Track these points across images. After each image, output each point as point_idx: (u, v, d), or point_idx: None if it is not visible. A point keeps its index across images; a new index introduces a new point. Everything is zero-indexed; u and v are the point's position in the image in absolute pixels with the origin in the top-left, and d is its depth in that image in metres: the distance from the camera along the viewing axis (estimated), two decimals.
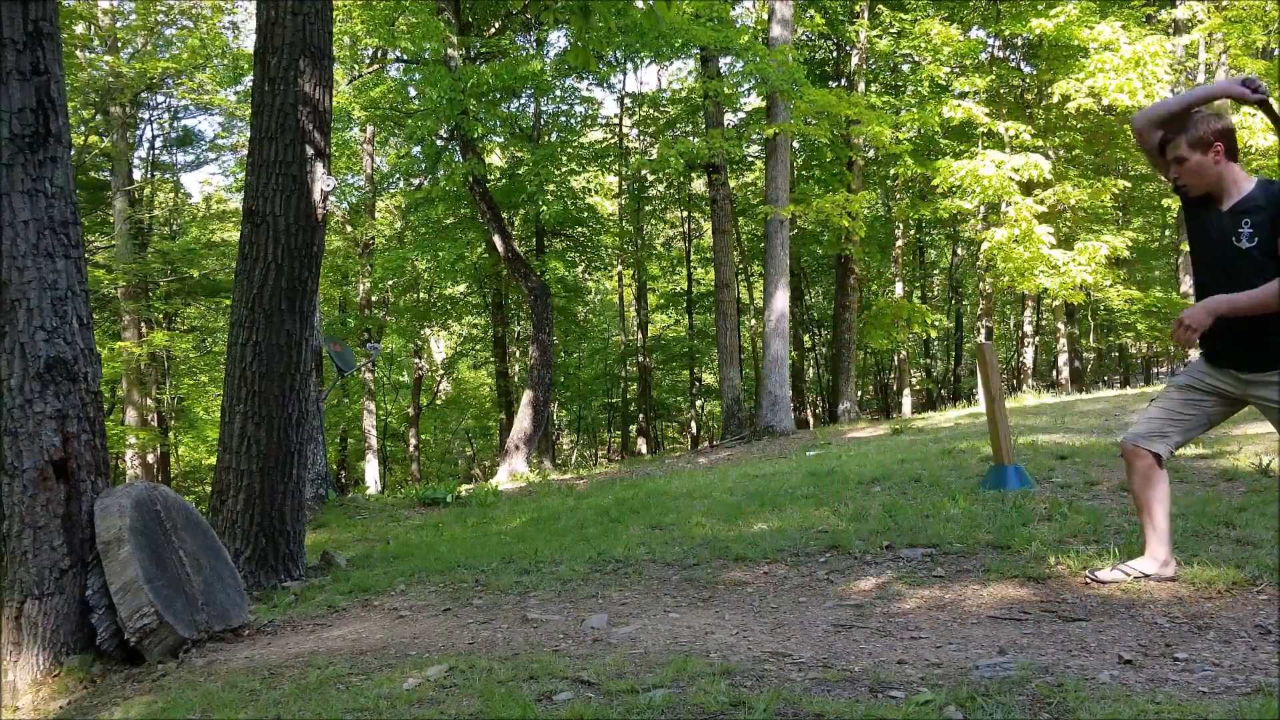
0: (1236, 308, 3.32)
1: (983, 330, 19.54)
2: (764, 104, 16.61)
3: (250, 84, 6.33)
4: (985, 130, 15.50)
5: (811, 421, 22.74)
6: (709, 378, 27.23)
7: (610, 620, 3.65)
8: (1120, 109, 14.66)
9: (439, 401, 27.77)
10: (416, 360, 25.53)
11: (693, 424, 28.29)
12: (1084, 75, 14.10)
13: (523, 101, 18.32)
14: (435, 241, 17.70)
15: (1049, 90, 15.30)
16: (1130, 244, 17.44)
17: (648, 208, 23.74)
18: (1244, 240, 3.38)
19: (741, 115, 20.13)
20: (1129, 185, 18.21)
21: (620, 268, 25.23)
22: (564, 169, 18.44)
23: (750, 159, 20.60)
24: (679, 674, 2.79)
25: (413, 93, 16.33)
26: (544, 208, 16.67)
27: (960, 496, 5.35)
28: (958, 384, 25.96)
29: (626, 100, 22.26)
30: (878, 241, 20.97)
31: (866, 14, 18.17)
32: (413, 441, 24.60)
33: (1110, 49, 14.00)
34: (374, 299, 22.71)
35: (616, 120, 22.36)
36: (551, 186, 17.03)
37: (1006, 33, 16.11)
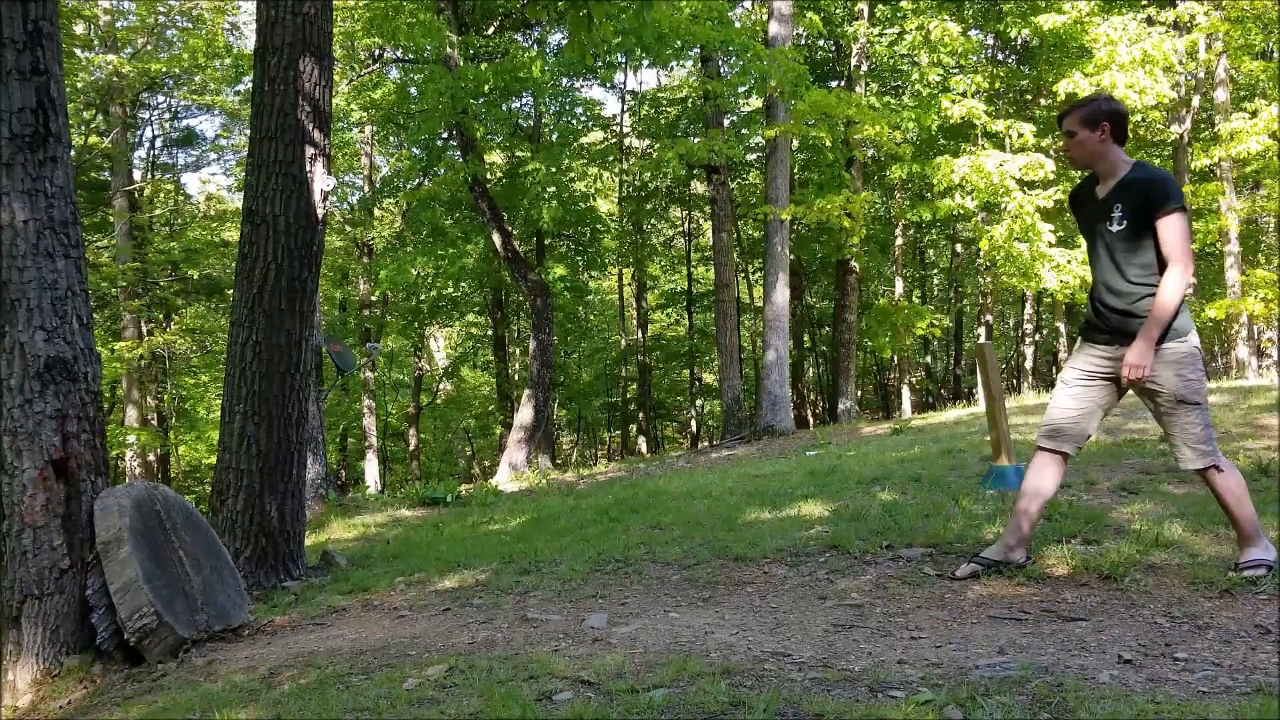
0: (1151, 337, 3.45)
1: (982, 329, 19.53)
2: (764, 105, 16.60)
3: (250, 84, 6.33)
4: (984, 130, 15.48)
5: (811, 421, 22.74)
6: (709, 377, 27.23)
7: (610, 620, 3.65)
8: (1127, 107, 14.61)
9: (439, 401, 27.79)
10: (416, 360, 25.54)
11: (693, 424, 28.28)
12: (1093, 71, 14.02)
13: (524, 101, 18.32)
14: (435, 246, 17.67)
15: (1052, 89, 15.26)
16: None
17: (648, 207, 23.75)
18: (1114, 224, 3.52)
19: (742, 115, 20.13)
20: None
21: (620, 267, 25.23)
22: (569, 174, 18.39)
23: (751, 159, 20.59)
24: (679, 674, 2.79)
25: (413, 92, 16.33)
26: (545, 214, 16.64)
27: (960, 496, 5.35)
28: (958, 384, 25.96)
29: (627, 98, 22.25)
30: (878, 242, 20.97)
31: (866, 15, 18.16)
32: (413, 441, 24.61)
33: (1117, 45, 13.93)
34: (374, 299, 22.73)
35: (617, 121, 22.36)
36: (553, 189, 17.04)
37: (1011, 33, 16.06)
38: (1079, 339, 3.81)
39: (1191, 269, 3.50)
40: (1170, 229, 3.42)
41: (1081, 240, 16.32)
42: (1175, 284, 3.42)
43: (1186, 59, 16.04)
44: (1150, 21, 16.09)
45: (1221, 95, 16.57)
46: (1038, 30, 14.78)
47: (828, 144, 15.33)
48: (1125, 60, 13.65)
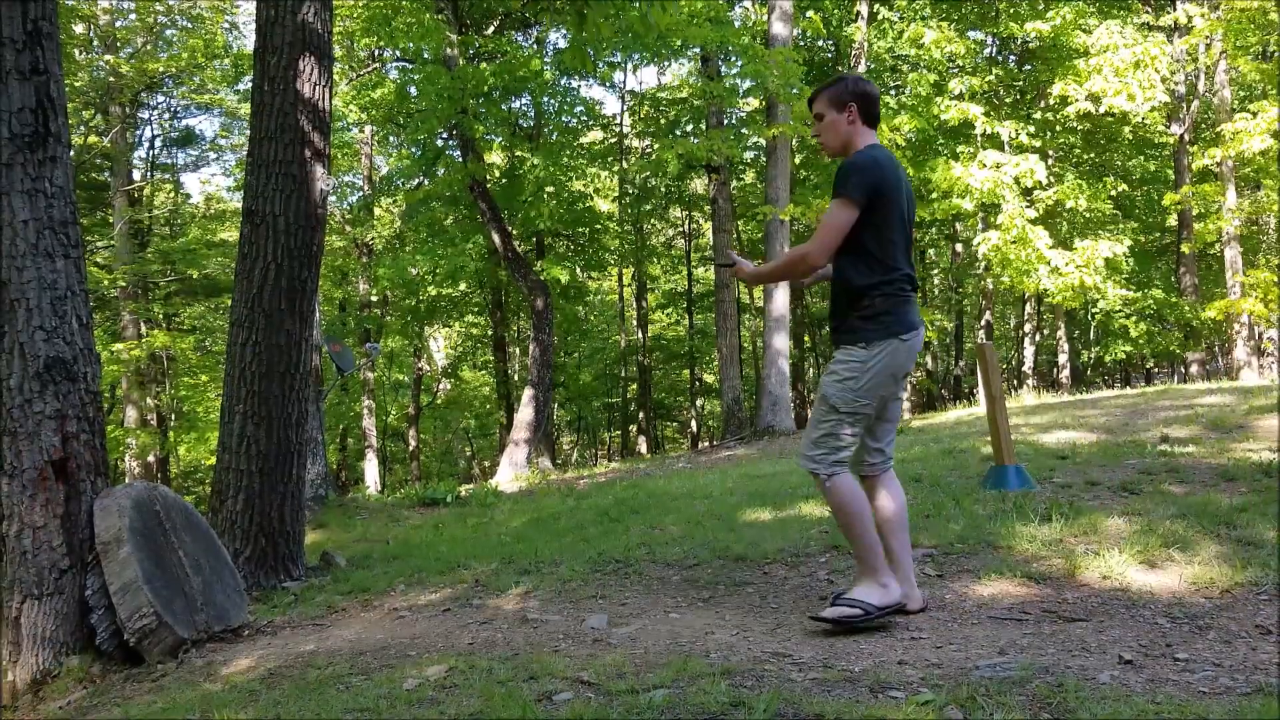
0: (760, 276, 3.39)
1: (982, 329, 19.52)
2: (763, 104, 16.61)
3: (250, 84, 6.33)
4: (982, 131, 15.49)
5: None
6: (709, 377, 27.24)
7: (610, 620, 3.65)
8: (1120, 113, 14.63)
9: (439, 401, 27.79)
10: (416, 360, 25.55)
11: (693, 424, 28.30)
12: (1083, 77, 14.06)
13: (524, 101, 18.30)
14: (435, 247, 17.66)
15: (1048, 90, 15.27)
16: (1129, 248, 17.37)
17: (647, 207, 23.76)
18: None
19: (741, 115, 20.14)
20: (1127, 188, 18.17)
21: (620, 267, 25.21)
22: (568, 174, 18.38)
23: (750, 159, 20.58)
24: (679, 674, 2.79)
25: (413, 92, 16.33)
26: (544, 212, 16.59)
27: (961, 496, 5.34)
28: (958, 384, 25.95)
29: (627, 98, 22.23)
30: None
31: (865, 18, 18.15)
32: (413, 441, 24.61)
33: (1109, 51, 13.96)
34: (374, 299, 22.73)
35: (617, 120, 22.35)
36: (551, 189, 17.04)
37: (1006, 33, 16.08)
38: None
39: (820, 259, 3.17)
40: (825, 214, 3.18)
41: (1078, 242, 16.26)
42: (791, 255, 3.25)
43: (1186, 60, 16.04)
44: (1149, 27, 16.10)
45: (1221, 96, 16.57)
46: (1027, 35, 14.86)
47: None
48: (1120, 64, 13.67)
